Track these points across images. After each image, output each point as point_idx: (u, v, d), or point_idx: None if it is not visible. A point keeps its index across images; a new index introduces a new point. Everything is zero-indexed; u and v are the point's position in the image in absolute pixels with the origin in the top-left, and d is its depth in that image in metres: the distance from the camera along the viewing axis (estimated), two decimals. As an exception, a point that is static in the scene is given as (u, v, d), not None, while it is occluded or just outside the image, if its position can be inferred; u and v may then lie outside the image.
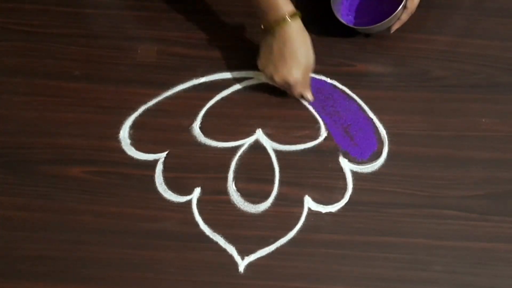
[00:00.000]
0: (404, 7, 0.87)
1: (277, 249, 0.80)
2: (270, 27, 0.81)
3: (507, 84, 0.90)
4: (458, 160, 0.85)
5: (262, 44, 0.85)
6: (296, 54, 0.81)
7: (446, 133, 0.87)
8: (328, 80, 0.90)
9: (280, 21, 0.80)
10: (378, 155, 0.86)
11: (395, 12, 0.86)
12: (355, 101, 0.89)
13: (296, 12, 0.81)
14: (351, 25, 0.90)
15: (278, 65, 0.83)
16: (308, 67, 0.83)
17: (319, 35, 0.92)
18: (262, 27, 0.83)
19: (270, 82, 0.86)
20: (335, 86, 0.90)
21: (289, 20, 0.80)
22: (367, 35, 0.93)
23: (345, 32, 0.91)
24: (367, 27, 0.88)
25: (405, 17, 0.89)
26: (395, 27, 0.90)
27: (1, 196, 0.83)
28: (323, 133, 0.87)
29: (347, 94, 0.89)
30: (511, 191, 0.84)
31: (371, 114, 0.88)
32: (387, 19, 0.86)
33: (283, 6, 0.80)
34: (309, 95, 0.87)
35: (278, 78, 0.84)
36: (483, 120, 0.88)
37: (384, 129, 0.87)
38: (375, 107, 0.88)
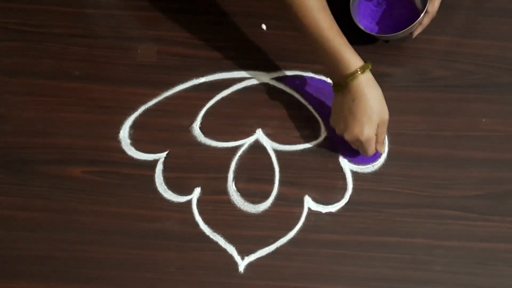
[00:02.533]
0: (426, 11, 0.86)
1: (277, 249, 0.80)
2: (340, 83, 0.77)
3: (507, 84, 0.90)
4: (458, 160, 0.85)
5: (334, 100, 0.81)
6: (367, 110, 0.76)
7: (446, 133, 0.87)
8: (328, 80, 0.90)
9: (349, 77, 0.75)
10: (378, 155, 0.85)
11: (418, 19, 0.85)
12: (355, 101, 0.89)
13: (366, 65, 0.76)
14: (373, 33, 0.89)
15: (349, 123, 0.78)
16: (382, 122, 0.78)
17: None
18: (332, 84, 0.80)
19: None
20: (335, 86, 0.90)
21: (358, 75, 0.75)
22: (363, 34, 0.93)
23: (345, 32, 0.91)
24: (390, 35, 0.87)
25: (426, 21, 0.87)
26: (417, 32, 0.89)
27: (1, 196, 0.83)
28: (323, 133, 0.87)
29: (347, 94, 0.89)
30: (511, 191, 0.84)
31: (371, 114, 0.88)
32: (410, 26, 0.86)
33: (351, 61, 0.75)
34: (382, 150, 0.83)
35: (348, 136, 0.79)
36: (483, 120, 0.88)
37: (384, 129, 0.87)
38: (375, 107, 0.88)
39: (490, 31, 0.94)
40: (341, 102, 0.78)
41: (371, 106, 0.76)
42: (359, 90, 0.76)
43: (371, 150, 0.80)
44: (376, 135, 0.79)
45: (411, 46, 0.92)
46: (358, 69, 0.75)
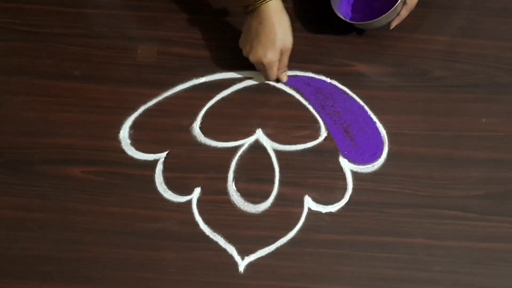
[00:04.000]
0: (404, 3, 0.87)
1: (277, 249, 0.80)
2: (250, 5, 0.81)
3: (507, 84, 0.90)
4: (458, 160, 0.85)
5: (244, 23, 0.85)
6: (271, 35, 0.81)
7: (446, 133, 0.87)
8: (328, 80, 0.90)
9: (259, 1, 0.80)
10: (378, 155, 0.86)
11: (393, 7, 0.86)
12: (355, 101, 0.89)
13: None
14: (349, 21, 0.90)
15: (254, 45, 0.83)
16: (285, 49, 0.83)
17: (319, 35, 0.93)
18: (244, 7, 0.83)
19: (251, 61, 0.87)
20: (335, 86, 0.90)
21: (268, 1, 0.79)
22: (362, 32, 0.92)
23: (345, 32, 0.92)
24: (365, 22, 0.88)
25: (404, 13, 0.88)
26: (394, 23, 0.89)
27: (1, 196, 0.83)
28: (323, 133, 0.87)
29: (347, 94, 0.89)
30: (511, 191, 0.84)
31: (371, 114, 0.88)
32: (385, 14, 0.86)
33: None
34: (284, 78, 0.88)
35: (252, 58, 0.84)
36: (483, 120, 0.88)
37: (384, 129, 0.87)
38: (375, 107, 0.88)
39: (489, 31, 0.94)
40: (250, 25, 0.83)
41: (276, 32, 0.81)
42: (267, 15, 0.80)
43: (272, 74, 0.86)
44: (279, 61, 0.84)
45: (411, 46, 0.92)
46: None
